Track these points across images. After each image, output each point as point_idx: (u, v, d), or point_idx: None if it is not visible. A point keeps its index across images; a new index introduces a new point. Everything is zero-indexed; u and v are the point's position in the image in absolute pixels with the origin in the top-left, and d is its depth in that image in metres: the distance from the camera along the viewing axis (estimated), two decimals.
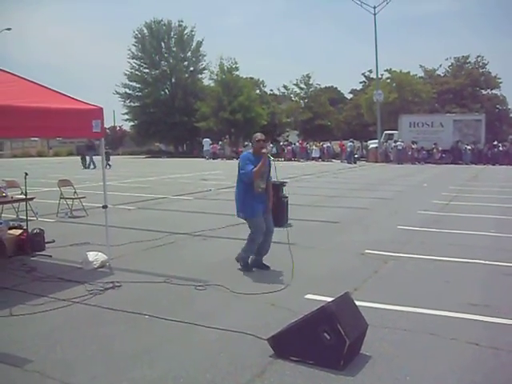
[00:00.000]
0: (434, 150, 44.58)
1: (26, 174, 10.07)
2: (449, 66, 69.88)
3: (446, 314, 6.32)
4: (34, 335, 5.68)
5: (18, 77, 8.70)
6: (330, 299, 5.57)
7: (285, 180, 14.68)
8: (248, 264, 8.38)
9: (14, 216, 12.79)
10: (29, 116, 7.38)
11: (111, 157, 39.08)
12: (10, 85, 8.20)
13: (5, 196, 11.11)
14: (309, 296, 6.99)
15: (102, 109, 8.57)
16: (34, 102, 7.68)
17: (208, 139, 56.80)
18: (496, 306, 6.64)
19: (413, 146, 45.08)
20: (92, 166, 36.86)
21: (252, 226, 8.25)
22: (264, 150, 8.06)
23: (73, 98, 8.57)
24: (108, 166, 36.47)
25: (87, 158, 38.42)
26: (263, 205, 8.25)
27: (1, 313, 6.32)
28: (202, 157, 55.55)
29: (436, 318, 6.22)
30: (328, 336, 4.78)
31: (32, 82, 8.70)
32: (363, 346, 5.18)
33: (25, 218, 10.50)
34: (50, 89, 8.68)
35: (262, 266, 8.48)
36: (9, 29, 63.69)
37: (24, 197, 10.49)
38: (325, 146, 53.40)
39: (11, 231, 9.98)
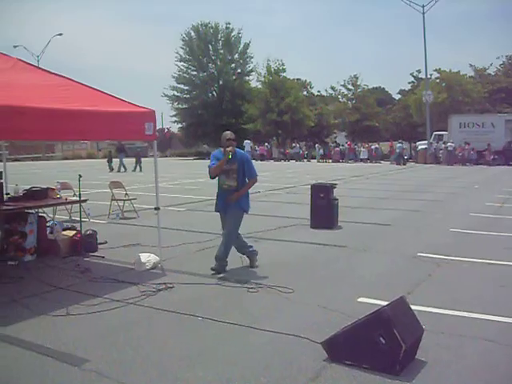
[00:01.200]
0: (486, 151, 43.64)
1: (80, 176, 10.24)
2: (500, 65, 68.40)
3: (503, 319, 6.17)
4: (91, 335, 5.76)
5: (72, 80, 8.85)
6: (382, 302, 5.51)
7: (335, 182, 14.60)
8: (216, 266, 8.35)
9: (67, 217, 13.03)
10: (82, 119, 7.52)
11: (142, 159, 38.56)
12: (65, 89, 8.34)
13: (59, 198, 11.29)
14: (361, 299, 6.91)
15: (154, 112, 8.67)
16: (88, 106, 7.81)
17: (248, 141, 56.89)
18: None
19: (466, 147, 44.23)
20: (122, 169, 36.49)
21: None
22: (228, 149, 8.11)
23: (125, 101, 8.69)
24: (139, 169, 36.76)
25: (116, 160, 37.81)
26: (224, 202, 8.47)
27: (58, 312, 6.44)
28: None
29: (493, 323, 6.07)
30: (384, 340, 4.71)
31: (85, 85, 8.84)
32: (419, 351, 5.09)
33: (77, 219, 10.68)
34: (103, 92, 8.82)
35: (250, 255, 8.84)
36: (60, 34, 65.41)
37: (78, 198, 10.66)
38: (373, 147, 53.00)
39: (65, 232, 10.19)
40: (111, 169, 37.13)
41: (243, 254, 8.79)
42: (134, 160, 38.04)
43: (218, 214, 8.69)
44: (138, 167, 37.15)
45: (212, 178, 8.46)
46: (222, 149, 8.32)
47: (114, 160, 37.93)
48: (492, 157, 43.50)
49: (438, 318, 6.22)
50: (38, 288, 7.50)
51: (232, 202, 8.37)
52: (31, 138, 8.90)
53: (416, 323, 5.18)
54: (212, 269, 8.27)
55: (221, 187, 8.48)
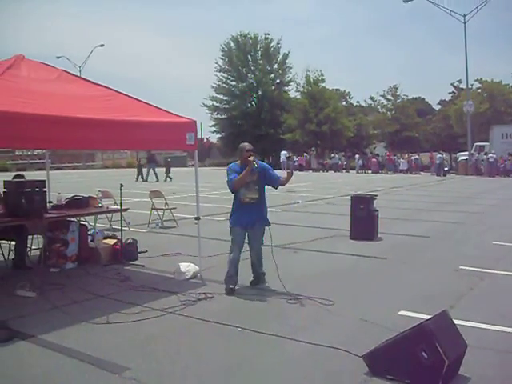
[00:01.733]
0: None
1: (122, 185, 10.33)
2: None
3: None
4: (131, 343, 5.81)
5: (115, 91, 8.97)
6: (424, 316, 5.45)
7: (373, 193, 14.49)
8: (228, 284, 7.92)
9: (108, 226, 13.18)
10: (126, 129, 7.65)
11: (172, 168, 38.80)
12: (107, 99, 8.47)
13: (101, 206, 11.44)
14: (402, 312, 6.82)
15: (195, 122, 8.76)
16: (131, 116, 7.93)
17: (285, 151, 57.06)
18: None
19: (509, 158, 43.50)
20: (155, 179, 35.94)
21: (231, 235, 8.16)
22: (251, 158, 7.82)
23: (167, 111, 8.79)
24: (169, 179, 36.62)
25: (144, 170, 37.72)
26: (250, 217, 7.99)
27: (99, 320, 6.50)
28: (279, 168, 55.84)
29: None
30: (426, 355, 4.63)
31: (128, 95, 8.95)
32: (462, 367, 4.99)
33: (117, 227, 10.79)
34: (144, 102, 8.91)
35: (258, 276, 8.36)
36: (102, 45, 66.54)
37: (118, 207, 10.77)
38: (412, 158, 52.50)
39: (106, 241, 10.31)
40: (141, 178, 37.01)
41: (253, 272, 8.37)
42: (164, 169, 38.09)
43: (233, 228, 8.10)
44: (167, 177, 37.07)
45: (234, 191, 8.02)
46: (237, 161, 8.16)
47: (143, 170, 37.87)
48: None
49: (482, 333, 6.10)
50: (79, 295, 7.59)
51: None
52: (72, 147, 9.03)
53: (459, 338, 5.09)
54: (253, 283, 8.24)
55: (241, 201, 7.96)
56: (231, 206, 8.20)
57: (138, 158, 43.60)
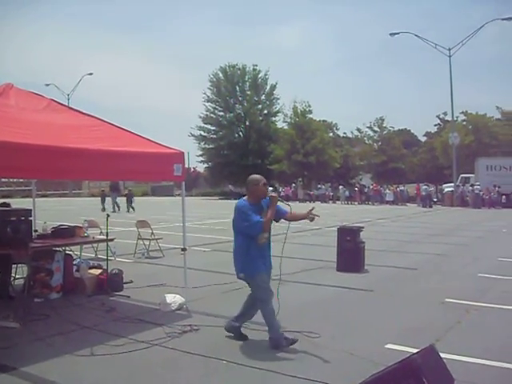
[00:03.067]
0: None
1: (108, 215, 10.31)
2: None
3: None
4: (116, 377, 5.75)
5: (103, 121, 8.99)
6: (411, 349, 5.43)
7: (359, 224, 14.52)
8: (288, 337, 6.82)
9: (93, 255, 13.09)
10: (114, 160, 7.65)
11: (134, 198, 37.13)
12: (96, 129, 8.49)
13: (86, 236, 11.39)
14: (389, 346, 6.79)
15: (183, 153, 8.79)
16: (119, 146, 7.94)
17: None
18: None
19: (497, 190, 43.83)
20: (116, 209, 34.73)
21: (256, 286, 6.92)
22: (274, 195, 6.88)
23: (155, 142, 8.81)
24: (131, 210, 35.06)
25: (107, 199, 36.27)
26: (268, 258, 7.00)
27: (83, 352, 6.42)
28: None
29: None
30: None
31: (116, 126, 8.98)
32: None
33: (103, 257, 10.72)
34: (132, 132, 8.94)
35: (239, 336, 7.14)
36: (91, 73, 66.88)
37: (105, 237, 10.73)
38: (399, 189, 52.79)
39: (91, 271, 10.23)
40: (104, 209, 34.65)
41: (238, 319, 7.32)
42: (125, 199, 36.41)
43: (259, 275, 6.85)
44: (130, 207, 35.44)
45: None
46: (244, 198, 6.94)
47: (107, 199, 36.58)
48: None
49: (468, 366, 6.08)
50: (64, 327, 7.51)
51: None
52: (60, 177, 8.99)
53: (446, 372, 5.06)
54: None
55: (260, 242, 6.75)
56: (238, 255, 6.92)
57: (102, 188, 41.51)
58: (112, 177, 10.16)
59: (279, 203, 6.94)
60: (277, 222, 7.06)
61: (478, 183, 44.79)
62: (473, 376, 5.78)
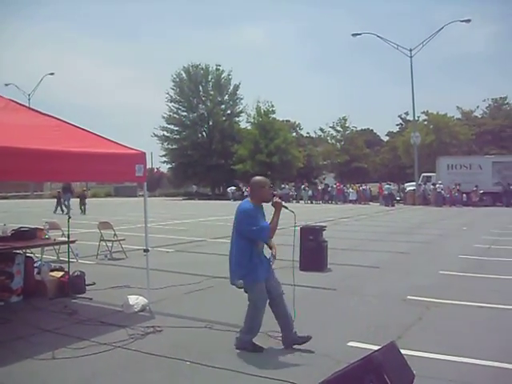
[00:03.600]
0: (472, 193, 43.95)
1: (69, 217, 10.21)
2: (486, 108, 69.66)
3: (493, 364, 6.13)
4: (77, 379, 5.68)
5: (64, 121, 8.87)
6: (373, 347, 5.49)
7: (323, 224, 14.61)
8: (256, 344, 6.66)
9: (55, 257, 12.93)
10: (73, 161, 7.54)
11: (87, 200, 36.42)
12: (56, 129, 8.36)
13: (47, 238, 11.24)
14: (351, 343, 6.86)
15: (144, 154, 8.71)
16: (79, 147, 7.83)
17: (233, 188, 60.38)
18: None
19: (458, 188, 44.50)
20: (65, 210, 32.95)
21: (253, 295, 6.64)
22: (277, 199, 6.59)
23: (116, 143, 8.71)
24: (82, 211, 33.78)
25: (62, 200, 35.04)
26: (267, 262, 6.77)
27: (44, 356, 6.33)
28: (227, 199, 57.66)
29: (483, 368, 6.03)
30: None
31: (76, 126, 8.86)
32: None
33: (65, 259, 10.60)
34: (93, 133, 8.83)
35: (299, 341, 6.70)
36: (52, 73, 66.04)
37: (65, 239, 10.60)
38: (361, 188, 53.28)
39: (53, 273, 10.10)
40: (55, 211, 34.45)
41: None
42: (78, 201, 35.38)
43: (257, 285, 6.61)
44: (82, 209, 34.42)
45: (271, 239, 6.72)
46: (249, 200, 6.73)
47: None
48: (478, 198, 43.74)
49: (429, 362, 6.17)
50: (25, 330, 7.39)
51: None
52: (20, 178, 8.83)
53: (407, 368, 5.13)
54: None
55: (259, 247, 6.68)
56: (236, 259, 6.63)
57: (57, 190, 39.96)
58: (72, 178, 10.02)
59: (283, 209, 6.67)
60: None
61: (440, 182, 45.47)
62: (433, 371, 5.87)
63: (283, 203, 6.64)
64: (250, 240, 6.53)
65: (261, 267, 6.59)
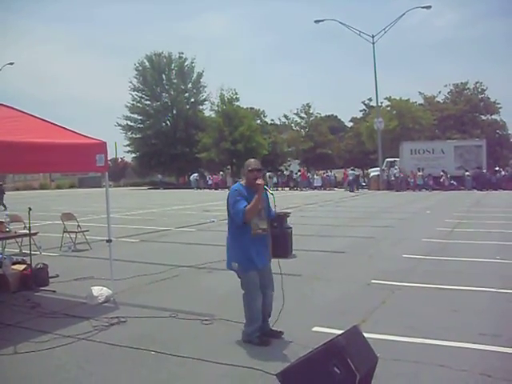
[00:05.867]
0: (444, 178, 44.47)
1: (30, 209, 10.04)
2: (448, 93, 70.42)
3: (455, 344, 6.24)
4: (40, 373, 5.63)
5: (22, 112, 8.75)
6: (337, 331, 5.52)
7: (288, 210, 14.65)
8: (262, 338, 6.46)
9: (18, 250, 12.75)
10: (32, 152, 7.42)
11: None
12: (14, 120, 8.23)
13: (8, 231, 11.07)
14: (316, 328, 6.91)
15: (105, 143, 8.60)
16: (38, 138, 7.72)
17: (196, 174, 60.43)
18: (507, 336, 6.54)
19: (419, 173, 44.99)
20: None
21: (245, 283, 6.54)
22: (259, 182, 6.33)
23: (76, 133, 8.61)
24: (3, 207, 31.40)
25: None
26: (264, 253, 6.52)
27: (5, 351, 6.25)
28: (191, 188, 57.82)
29: (446, 348, 6.13)
30: (338, 370, 4.69)
31: (36, 117, 8.75)
32: (373, 379, 5.08)
33: (28, 252, 10.46)
34: (53, 124, 8.72)
35: (270, 334, 6.61)
36: (11, 63, 64.62)
37: (27, 232, 10.45)
38: (326, 175, 53.53)
39: (15, 266, 9.95)
40: None
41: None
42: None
43: (247, 274, 6.47)
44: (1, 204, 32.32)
45: (247, 222, 6.32)
46: (241, 181, 6.68)
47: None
48: (448, 182, 44.17)
49: (392, 345, 6.25)
50: None
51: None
52: None
53: (370, 351, 5.19)
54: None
55: (253, 233, 6.37)
56: (230, 243, 6.67)
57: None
58: (30, 169, 9.88)
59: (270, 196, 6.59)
60: None
61: (396, 167, 46.08)
62: (396, 353, 5.95)
63: (265, 186, 6.46)
64: (238, 225, 6.38)
65: (256, 256, 6.37)
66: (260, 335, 6.46)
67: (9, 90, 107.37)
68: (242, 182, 6.63)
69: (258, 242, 6.41)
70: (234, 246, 6.53)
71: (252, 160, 6.66)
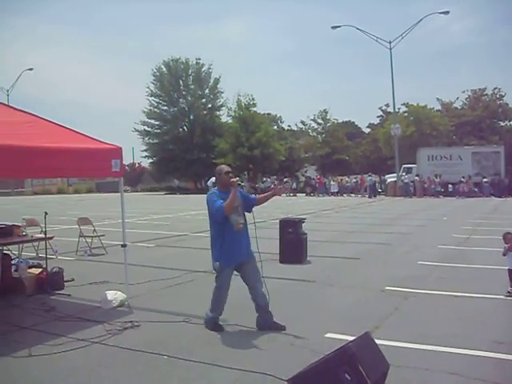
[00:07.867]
0: (465, 184, 43.99)
1: (46, 213, 10.13)
2: (466, 99, 69.90)
3: (469, 352, 6.19)
4: (54, 376, 5.66)
5: (38, 117, 8.82)
6: (350, 338, 5.51)
7: (303, 216, 14.64)
8: (217, 323, 7.23)
9: (34, 254, 12.85)
10: (48, 157, 7.48)
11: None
12: (30, 125, 8.30)
13: (25, 235, 11.16)
14: (329, 335, 6.89)
15: (120, 148, 8.66)
16: (54, 143, 7.78)
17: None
18: None
19: (436, 180, 44.76)
20: None
21: (218, 280, 7.21)
22: (233, 179, 7.00)
23: (92, 138, 8.67)
24: None
25: None
26: (244, 248, 7.23)
27: (20, 353, 6.30)
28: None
29: (459, 356, 6.09)
30: (349, 377, 4.68)
31: (52, 122, 8.81)
32: None
33: (44, 256, 10.54)
34: (69, 129, 8.79)
35: (273, 326, 7.15)
36: (31, 69, 65.32)
37: (43, 235, 10.54)
38: (343, 180, 53.43)
39: (31, 270, 10.03)
40: None
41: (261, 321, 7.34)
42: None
43: (223, 271, 7.16)
44: None
45: (227, 215, 6.92)
46: (215, 188, 7.32)
47: None
48: (469, 189, 43.78)
49: (405, 352, 6.22)
50: (1, 328, 7.33)
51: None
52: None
53: (381, 358, 5.17)
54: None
55: (235, 228, 7.05)
56: (213, 244, 7.18)
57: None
58: (47, 174, 9.96)
59: (246, 190, 7.02)
60: (249, 212, 7.42)
61: (404, 173, 45.98)
62: (408, 360, 5.92)
63: (240, 182, 7.15)
64: (220, 224, 7.02)
65: (233, 253, 7.06)
66: (215, 322, 7.22)
67: (30, 94, 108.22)
68: (215, 188, 7.33)
69: (238, 237, 7.09)
70: (216, 246, 7.12)
71: (223, 165, 7.45)
